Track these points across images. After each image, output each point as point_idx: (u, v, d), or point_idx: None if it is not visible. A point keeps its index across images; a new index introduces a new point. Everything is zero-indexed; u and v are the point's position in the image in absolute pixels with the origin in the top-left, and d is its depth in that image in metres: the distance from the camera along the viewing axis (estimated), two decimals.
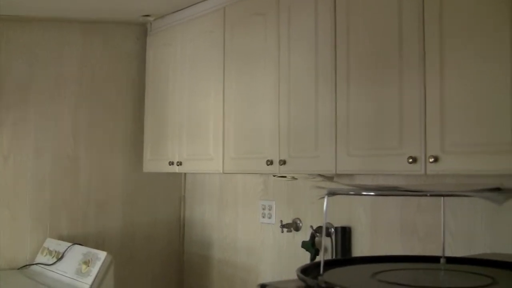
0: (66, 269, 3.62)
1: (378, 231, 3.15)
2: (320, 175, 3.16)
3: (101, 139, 4.37)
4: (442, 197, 2.20)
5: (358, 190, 1.61)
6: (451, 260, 1.96)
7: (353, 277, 1.75)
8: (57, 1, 3.77)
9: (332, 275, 1.69)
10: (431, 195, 1.61)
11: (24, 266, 3.95)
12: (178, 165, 4.00)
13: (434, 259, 1.97)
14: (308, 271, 1.69)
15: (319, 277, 1.59)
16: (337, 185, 2.76)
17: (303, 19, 3.13)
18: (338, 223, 3.31)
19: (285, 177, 3.44)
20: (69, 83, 4.24)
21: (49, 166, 4.14)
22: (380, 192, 1.81)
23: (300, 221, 3.63)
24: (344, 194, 1.56)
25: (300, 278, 1.61)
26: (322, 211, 3.41)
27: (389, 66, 2.65)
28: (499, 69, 2.24)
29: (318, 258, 3.43)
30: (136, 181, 4.53)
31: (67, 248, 3.77)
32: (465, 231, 2.74)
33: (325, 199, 1.55)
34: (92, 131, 4.34)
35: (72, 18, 4.21)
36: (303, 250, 3.49)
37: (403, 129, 2.58)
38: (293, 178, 3.47)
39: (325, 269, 1.63)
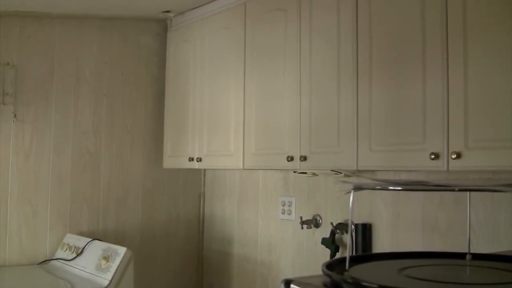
0: (86, 265, 3.63)
1: (399, 227, 3.14)
2: (341, 171, 3.14)
3: (121, 135, 4.39)
4: (468, 192, 2.18)
5: (384, 185, 1.59)
6: (477, 256, 1.94)
7: (379, 273, 1.74)
8: None
9: (357, 271, 1.67)
10: (459, 190, 1.59)
11: (44, 261, 3.97)
12: (198, 161, 3.99)
13: (460, 256, 1.95)
14: (332, 266, 1.67)
15: (345, 273, 1.58)
16: (362, 180, 2.76)
17: (324, 14, 3.11)
18: (358, 220, 3.30)
19: (305, 173, 3.43)
20: (89, 79, 4.26)
21: (69, 162, 4.16)
22: (407, 187, 1.79)
23: (320, 217, 3.62)
24: (371, 189, 1.54)
25: (325, 274, 1.60)
26: (342, 208, 3.43)
27: (412, 61, 2.63)
28: None
29: (338, 255, 3.41)
30: (156, 177, 4.54)
31: (87, 244, 3.78)
32: (488, 227, 2.72)
33: (351, 194, 1.53)
34: (112, 127, 4.35)
35: (91, 14, 4.22)
36: (323, 246, 3.47)
37: (426, 125, 2.56)
38: (314, 174, 3.45)
39: (350, 265, 1.61)
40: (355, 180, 2.99)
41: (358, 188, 1.52)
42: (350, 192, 1.54)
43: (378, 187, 1.61)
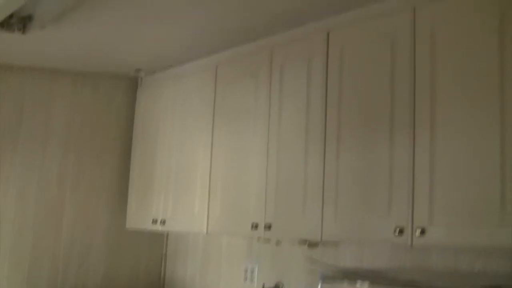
0: None
1: None
2: (305, 240, 3.11)
3: (86, 190, 4.31)
4: None
5: (353, 278, 1.56)
6: None
7: None
8: (48, 51, 3.76)
9: None
10: None
11: None
12: (161, 224, 3.93)
13: None
14: None
15: None
16: (331, 260, 2.72)
17: (295, 79, 3.13)
18: None
19: (269, 240, 3.39)
20: (58, 132, 4.21)
21: (31, 215, 4.06)
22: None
23: (282, 285, 3.56)
24: (338, 283, 1.51)
25: None
26: (306, 276, 3.38)
27: (380, 127, 2.64)
28: (489, 139, 2.23)
29: None
30: (119, 234, 4.44)
31: None
32: None
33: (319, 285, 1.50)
34: (78, 181, 4.28)
35: (63, 68, 4.21)
36: None
37: (391, 197, 2.55)
38: (278, 242, 3.41)
39: None
40: (322, 257, 2.97)
41: (326, 279, 1.49)
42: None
43: (345, 284, 1.57)
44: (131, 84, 4.55)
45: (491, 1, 2.29)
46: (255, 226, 3.18)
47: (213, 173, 3.58)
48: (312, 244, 3.11)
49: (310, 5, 2.90)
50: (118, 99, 4.51)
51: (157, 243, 4.64)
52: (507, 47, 2.21)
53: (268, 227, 3.12)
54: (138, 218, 4.24)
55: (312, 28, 3.10)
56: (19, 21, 3.06)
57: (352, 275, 2.71)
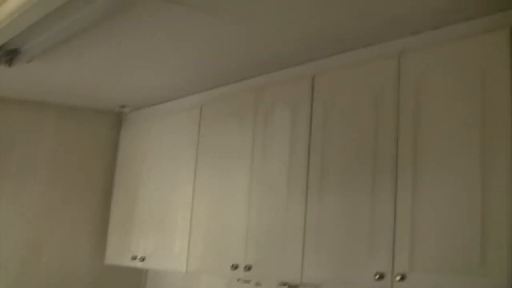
0: None
1: None
2: (285, 283, 3.10)
3: (67, 225, 4.29)
4: None
5: None
6: None
7: None
8: (34, 85, 3.77)
9: None
10: None
11: None
12: (141, 261, 3.90)
13: None
14: None
15: None
16: None
17: (280, 122, 3.14)
18: None
19: (249, 281, 3.37)
20: (40, 167, 4.20)
21: (13, 247, 4.02)
22: None
23: None
24: None
25: None
26: None
27: (363, 177, 2.65)
28: (470, 190, 2.24)
29: None
30: (98, 271, 4.40)
31: None
32: None
33: None
34: (59, 216, 4.25)
35: (49, 101, 4.21)
36: None
37: (372, 243, 2.55)
38: (257, 283, 3.39)
39: None
40: None
41: None
42: None
43: None
44: (115, 120, 4.56)
45: (474, 52, 2.32)
46: (235, 267, 3.16)
47: (195, 212, 3.57)
48: (292, 286, 3.09)
49: (296, 48, 2.92)
50: (102, 134, 4.51)
51: (136, 280, 4.59)
52: (489, 98, 2.23)
53: (248, 268, 3.10)
54: (118, 254, 4.21)
55: (298, 72, 3.12)
56: (6, 54, 3.07)
57: None
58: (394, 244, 2.46)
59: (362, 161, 2.67)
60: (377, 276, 2.46)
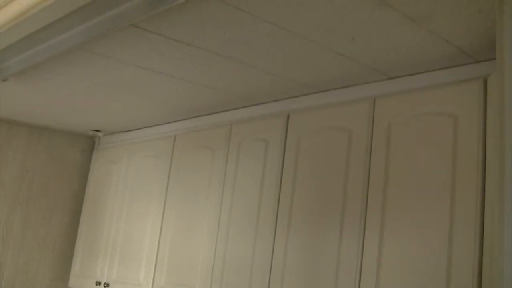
0: None
1: None
2: None
3: (30, 247, 4.24)
4: None
5: None
6: None
7: None
8: (7, 102, 3.73)
9: None
10: None
11: None
12: (105, 287, 3.86)
13: None
14: None
15: None
16: None
17: (251, 158, 3.14)
18: None
19: None
20: (7, 185, 4.14)
21: None
22: None
23: None
24: None
25: None
26: None
27: (332, 217, 2.64)
28: (437, 236, 2.24)
29: None
30: None
31: None
32: None
33: None
34: (23, 238, 4.21)
35: (20, 120, 4.18)
36: None
37: (338, 284, 2.53)
38: None
39: None
40: None
41: None
42: None
43: None
44: (88, 144, 4.54)
45: (448, 101, 2.34)
46: None
47: (162, 243, 3.55)
48: None
49: (272, 86, 2.94)
50: (73, 156, 4.48)
51: None
52: (460, 146, 2.25)
53: None
54: (82, 278, 4.16)
55: (273, 108, 3.14)
56: None
57: None
58: (359, 285, 2.46)
59: (332, 201, 2.66)
60: None
